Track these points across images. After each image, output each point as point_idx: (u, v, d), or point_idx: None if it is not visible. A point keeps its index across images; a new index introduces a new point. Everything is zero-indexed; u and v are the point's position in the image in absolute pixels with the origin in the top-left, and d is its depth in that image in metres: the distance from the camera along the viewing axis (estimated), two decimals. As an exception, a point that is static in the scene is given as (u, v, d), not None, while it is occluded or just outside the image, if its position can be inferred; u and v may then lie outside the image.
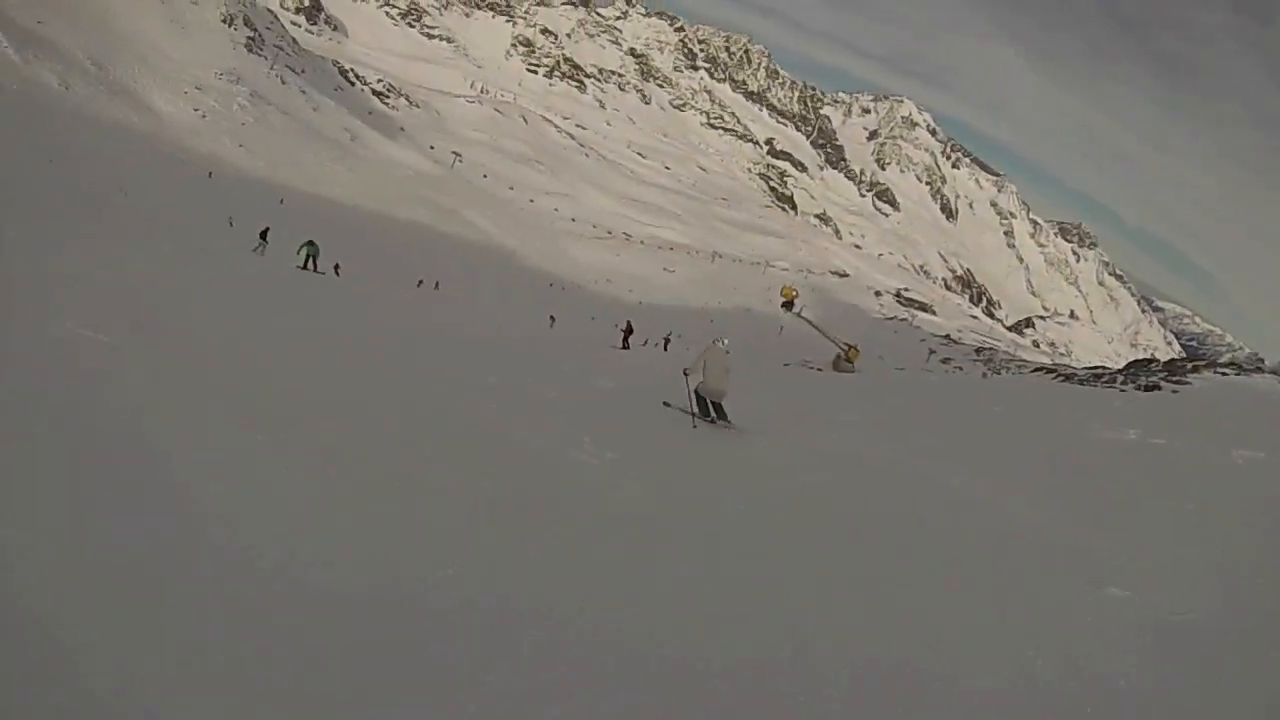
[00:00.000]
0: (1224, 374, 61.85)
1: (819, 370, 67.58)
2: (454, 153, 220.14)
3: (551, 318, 63.58)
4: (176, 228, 41.83)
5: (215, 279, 24.72)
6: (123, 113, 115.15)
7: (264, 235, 48.90)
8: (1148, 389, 48.62)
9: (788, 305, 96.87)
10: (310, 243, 46.79)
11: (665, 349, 70.61)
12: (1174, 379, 53.89)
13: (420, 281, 73.61)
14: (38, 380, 9.52)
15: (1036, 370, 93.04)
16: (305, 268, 45.35)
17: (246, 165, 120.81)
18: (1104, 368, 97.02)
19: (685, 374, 18.60)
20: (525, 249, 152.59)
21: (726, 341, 18.71)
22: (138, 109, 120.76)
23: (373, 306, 31.78)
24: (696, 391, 18.04)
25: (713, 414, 18.02)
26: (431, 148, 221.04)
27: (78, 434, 8.12)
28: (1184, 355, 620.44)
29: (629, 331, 56.35)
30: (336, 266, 53.45)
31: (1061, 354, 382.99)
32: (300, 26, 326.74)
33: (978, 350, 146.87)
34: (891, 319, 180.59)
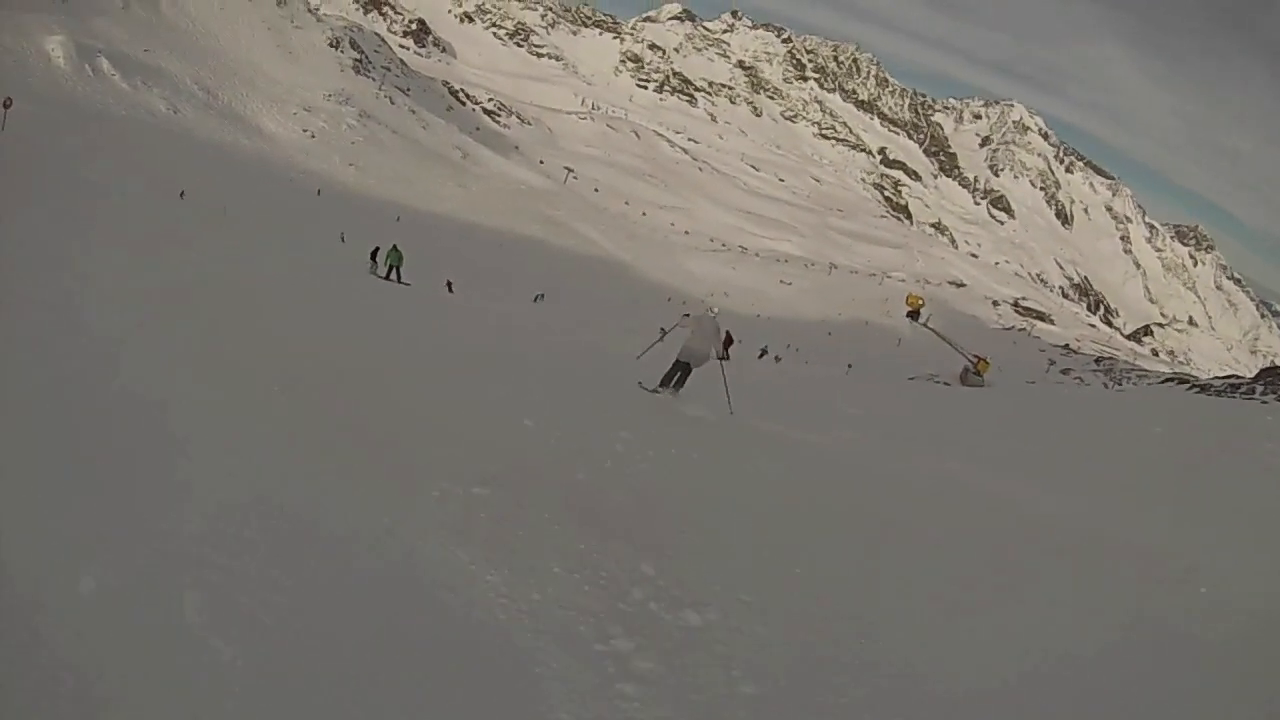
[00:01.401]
0: None
1: (946, 384, 65.48)
2: (567, 168, 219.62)
3: (662, 330, 59.35)
4: (278, 244, 38.86)
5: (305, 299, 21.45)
6: (231, 135, 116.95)
7: (374, 256, 46.52)
8: None
9: (913, 314, 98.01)
10: (395, 249, 43.49)
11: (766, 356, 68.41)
12: None
13: (537, 296, 73.51)
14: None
15: (1166, 381, 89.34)
16: (388, 278, 41.47)
17: (356, 183, 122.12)
18: (1237, 376, 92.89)
19: (724, 359, 17.56)
20: (640, 262, 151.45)
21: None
22: (246, 131, 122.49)
23: (487, 326, 28.41)
24: (678, 359, 17.20)
25: (673, 385, 17.25)
26: (541, 162, 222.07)
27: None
28: None
29: (729, 342, 50.58)
30: (449, 284, 50.65)
31: (1181, 362, 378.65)
32: (409, 49, 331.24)
33: (1097, 360, 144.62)
34: (1010, 329, 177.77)
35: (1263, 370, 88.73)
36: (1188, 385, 78.53)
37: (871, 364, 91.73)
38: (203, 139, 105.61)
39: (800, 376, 37.73)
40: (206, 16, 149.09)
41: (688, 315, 18.24)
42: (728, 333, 46.70)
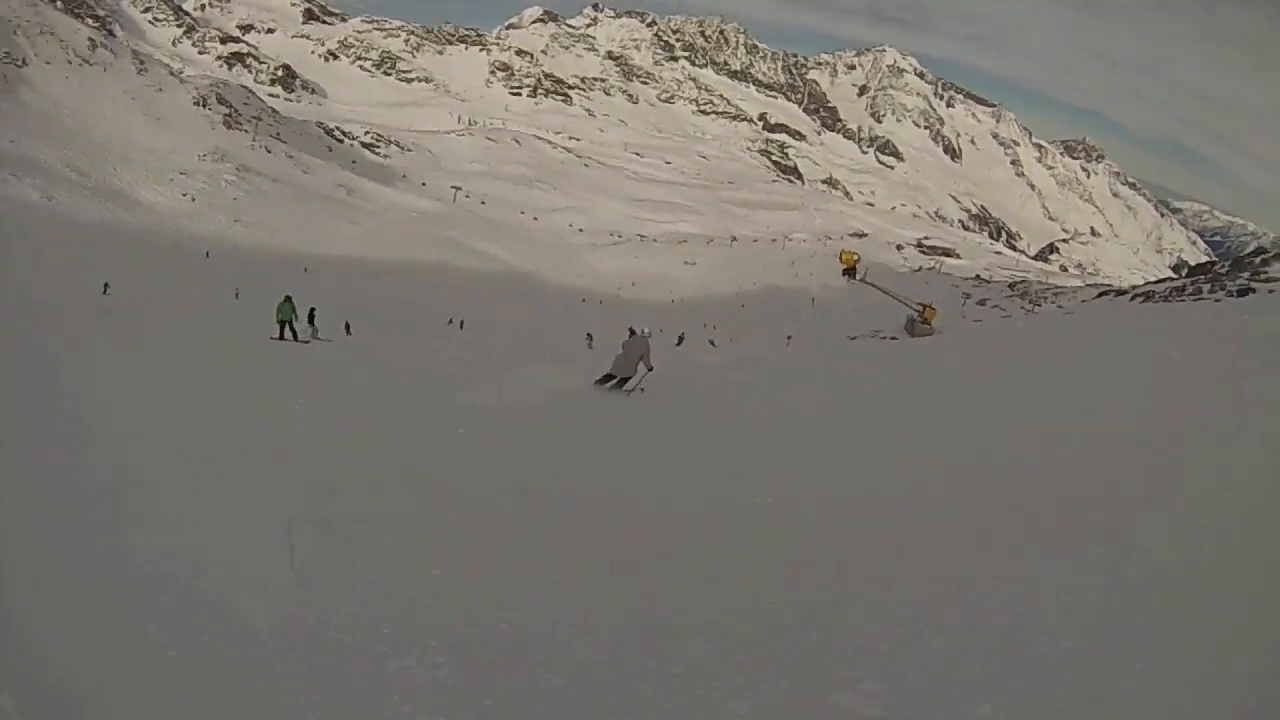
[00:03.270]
0: None
1: (894, 339, 63.51)
2: (454, 187, 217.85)
3: (589, 336, 59.19)
4: (161, 320, 38.06)
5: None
6: (111, 212, 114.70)
7: (311, 319, 41.47)
8: (1242, 293, 48.80)
9: (850, 272, 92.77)
10: (286, 301, 35.67)
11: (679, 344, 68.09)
12: (1259, 279, 51.98)
13: (451, 320, 72.33)
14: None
15: (1101, 295, 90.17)
16: (282, 337, 34.42)
17: (245, 239, 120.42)
18: (1169, 277, 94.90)
19: (650, 369, 20.73)
20: (545, 270, 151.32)
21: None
22: (126, 205, 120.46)
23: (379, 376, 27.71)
24: (611, 369, 21.20)
25: (612, 385, 20.95)
26: (424, 185, 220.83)
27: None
28: (1208, 253, 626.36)
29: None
30: (347, 325, 48.01)
31: (1090, 273, 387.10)
32: (278, 97, 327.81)
33: (1011, 286, 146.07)
34: (919, 270, 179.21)
35: (1192, 268, 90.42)
36: (1130, 295, 79.17)
37: (793, 327, 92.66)
38: (86, 222, 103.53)
39: (743, 360, 35.52)
40: (68, 97, 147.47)
41: (630, 332, 21.50)
42: (633, 330, 47.26)
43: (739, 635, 6.69)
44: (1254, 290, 48.50)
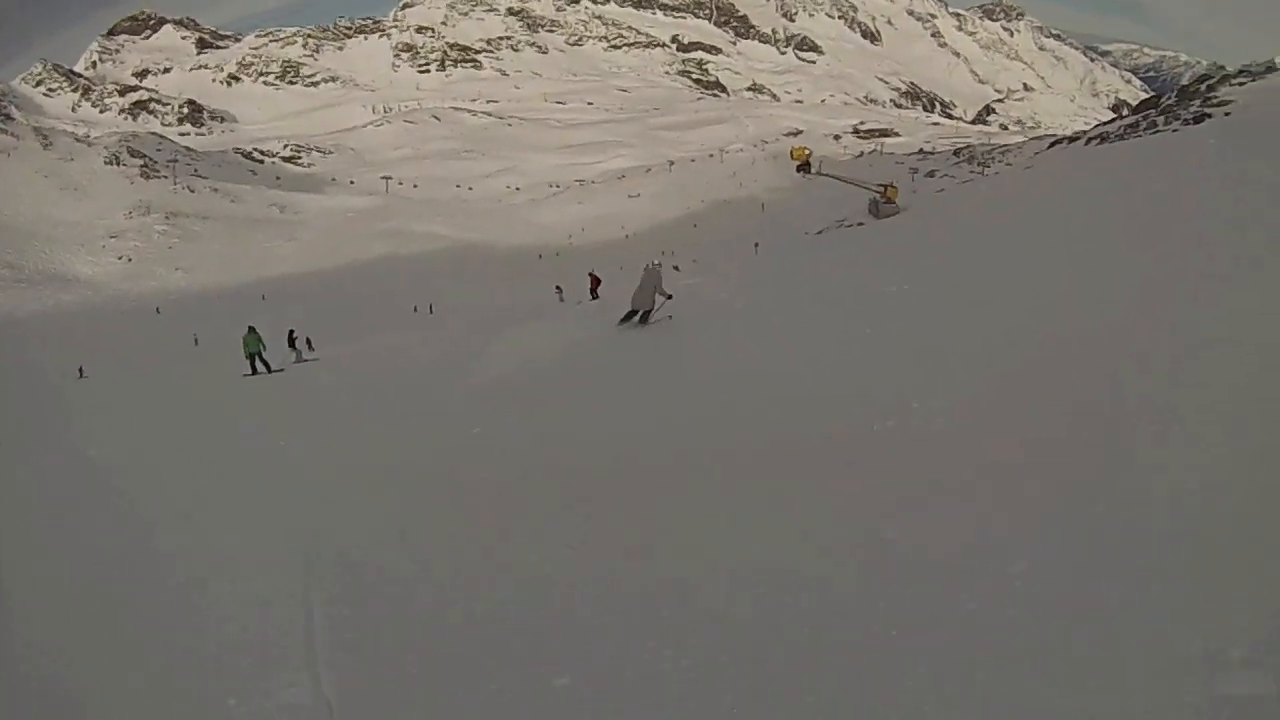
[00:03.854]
0: (1243, 83, 60.19)
1: (860, 225, 66.18)
2: (384, 178, 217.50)
3: (558, 288, 59.30)
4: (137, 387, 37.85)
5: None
6: (53, 297, 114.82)
7: (292, 342, 41.61)
8: (1198, 120, 52.40)
9: (804, 167, 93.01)
10: (250, 333, 33.79)
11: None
12: (1211, 104, 57.74)
13: (415, 308, 74.92)
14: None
15: (1053, 145, 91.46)
16: (254, 371, 33.04)
17: (191, 284, 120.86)
18: (1115, 116, 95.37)
19: (668, 297, 21.46)
20: (491, 235, 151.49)
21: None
22: (65, 285, 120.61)
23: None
24: (631, 306, 21.42)
25: (637, 320, 21.18)
26: (352, 183, 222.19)
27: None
28: (1145, 89, 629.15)
29: (596, 281, 49.86)
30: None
31: (1031, 127, 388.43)
32: (189, 134, 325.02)
33: (956, 153, 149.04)
34: (860, 155, 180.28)
35: (1138, 104, 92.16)
36: (1084, 140, 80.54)
37: (748, 236, 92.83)
38: (29, 315, 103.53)
39: (730, 279, 33.65)
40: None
41: (646, 267, 21.83)
42: (593, 275, 46.99)
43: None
44: (1210, 115, 52.05)
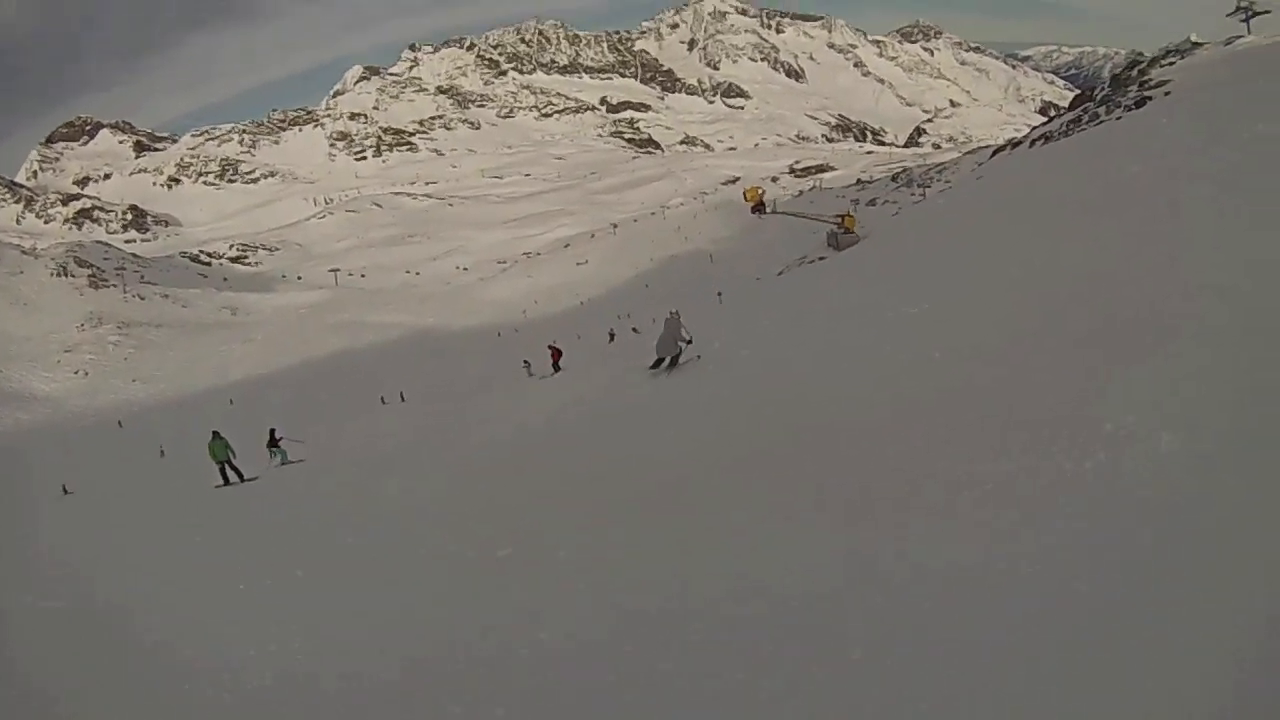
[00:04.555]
0: (1172, 63, 62.15)
1: (821, 260, 64.25)
2: (332, 270, 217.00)
3: (526, 362, 59.43)
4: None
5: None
6: (10, 416, 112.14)
7: (275, 441, 36.31)
8: (1139, 104, 55.34)
9: (759, 207, 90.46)
10: (215, 438, 31.09)
11: (612, 340, 68.62)
12: (1145, 90, 60.71)
13: (383, 399, 72.20)
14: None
15: (996, 153, 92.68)
16: (226, 481, 30.28)
17: (149, 395, 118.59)
18: (1051, 118, 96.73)
19: (689, 343, 22.79)
20: (446, 318, 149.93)
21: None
22: (22, 403, 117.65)
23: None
24: (657, 354, 22.81)
25: (664, 368, 22.59)
26: (300, 278, 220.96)
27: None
28: (1068, 86, 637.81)
29: (557, 354, 49.71)
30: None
31: (964, 141, 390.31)
32: (135, 240, 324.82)
33: (893, 178, 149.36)
34: (800, 194, 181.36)
35: (1072, 100, 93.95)
36: (1029, 142, 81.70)
37: (705, 285, 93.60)
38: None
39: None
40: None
41: (666, 318, 23.17)
42: (553, 347, 47.68)
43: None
44: (1151, 98, 54.27)
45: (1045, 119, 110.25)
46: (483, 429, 21.50)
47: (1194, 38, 74.18)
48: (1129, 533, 6.77)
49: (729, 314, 39.32)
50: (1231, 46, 62.24)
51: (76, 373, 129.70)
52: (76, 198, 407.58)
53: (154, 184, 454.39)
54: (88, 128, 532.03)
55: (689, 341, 22.50)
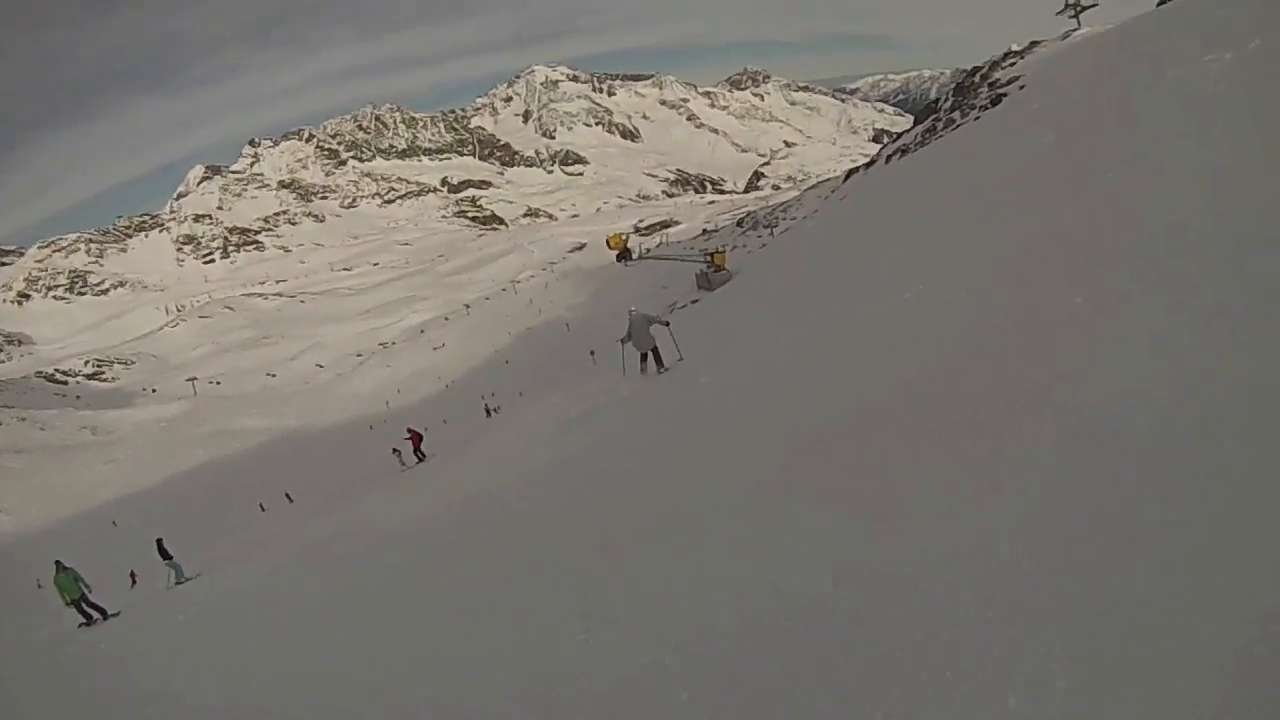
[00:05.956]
0: (1013, 63, 68.25)
1: (695, 304, 64.66)
2: (189, 380, 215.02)
3: (396, 450, 58.18)
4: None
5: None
6: None
7: (166, 554, 33.71)
8: (995, 102, 57.08)
9: (624, 254, 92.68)
10: (59, 572, 25.81)
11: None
12: (998, 87, 63.22)
13: (262, 507, 69.43)
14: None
15: (849, 176, 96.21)
16: (88, 621, 24.92)
17: (16, 526, 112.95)
18: (889, 141, 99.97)
19: (620, 343, 23.01)
20: (310, 417, 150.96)
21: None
22: None
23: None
24: (634, 349, 22.10)
25: (652, 365, 21.92)
26: (154, 391, 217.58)
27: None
28: (899, 112, 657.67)
29: (418, 438, 46.39)
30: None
31: (803, 178, 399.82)
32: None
33: (739, 223, 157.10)
34: (648, 253, 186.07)
35: (918, 114, 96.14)
36: (884, 158, 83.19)
37: (570, 351, 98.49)
38: None
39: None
40: None
41: (629, 314, 22.16)
42: (411, 431, 48.68)
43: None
44: (1006, 94, 56.11)
45: (882, 144, 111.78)
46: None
47: (1015, 46, 77.01)
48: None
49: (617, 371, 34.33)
50: (1068, 40, 63.94)
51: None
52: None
53: (4, 300, 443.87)
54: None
55: (666, 323, 22.34)
